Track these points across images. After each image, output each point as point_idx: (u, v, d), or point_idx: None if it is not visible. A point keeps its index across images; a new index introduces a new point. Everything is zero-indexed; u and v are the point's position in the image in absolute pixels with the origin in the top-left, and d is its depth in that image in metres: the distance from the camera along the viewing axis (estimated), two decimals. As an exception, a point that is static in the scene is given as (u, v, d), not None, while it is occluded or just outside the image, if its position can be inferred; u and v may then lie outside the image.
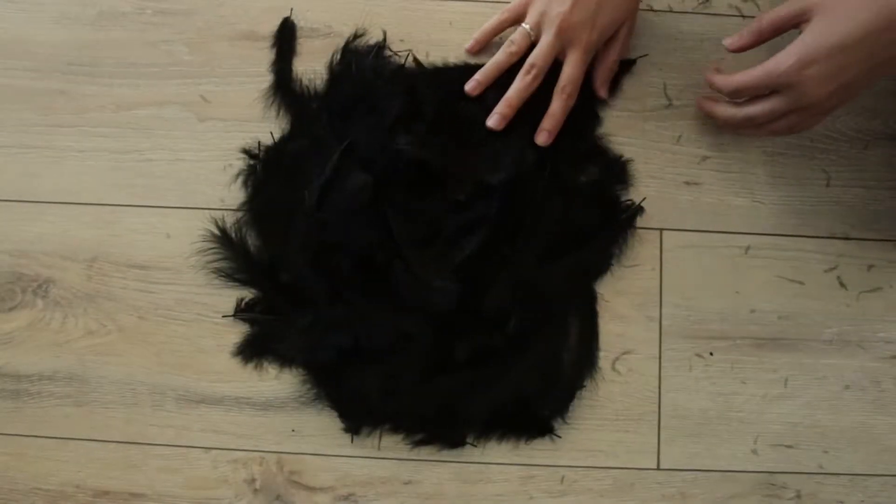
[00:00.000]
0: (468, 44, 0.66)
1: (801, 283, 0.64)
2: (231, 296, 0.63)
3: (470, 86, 0.63)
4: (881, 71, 0.52)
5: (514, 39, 0.63)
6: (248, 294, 0.63)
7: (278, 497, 0.61)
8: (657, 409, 0.62)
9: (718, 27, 0.67)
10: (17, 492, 0.62)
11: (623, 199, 0.64)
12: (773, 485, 0.62)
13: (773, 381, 0.63)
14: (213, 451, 0.62)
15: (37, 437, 0.63)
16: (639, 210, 0.64)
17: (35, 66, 0.67)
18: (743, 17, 0.67)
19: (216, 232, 0.63)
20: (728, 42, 0.59)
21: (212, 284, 0.64)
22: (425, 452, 0.62)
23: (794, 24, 0.54)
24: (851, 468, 0.62)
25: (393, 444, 0.62)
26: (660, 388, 0.63)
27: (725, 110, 0.60)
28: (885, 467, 0.62)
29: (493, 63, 0.63)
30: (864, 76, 0.52)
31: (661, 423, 0.62)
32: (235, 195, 0.65)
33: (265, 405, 0.62)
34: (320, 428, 0.62)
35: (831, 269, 0.64)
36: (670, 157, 0.66)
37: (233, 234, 0.63)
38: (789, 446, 0.62)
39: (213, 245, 0.63)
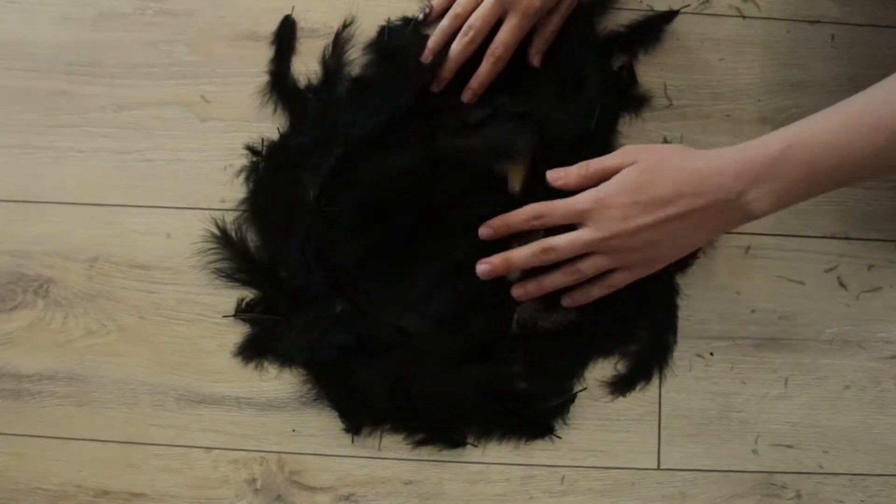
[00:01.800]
0: (426, 10, 0.64)
1: (801, 283, 0.64)
2: (231, 296, 0.63)
3: (423, 55, 0.63)
4: (681, 230, 0.54)
5: (461, 2, 0.62)
6: (248, 294, 0.63)
7: (279, 497, 0.61)
8: (657, 409, 0.62)
9: (719, 28, 0.67)
10: (18, 491, 0.62)
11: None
12: (773, 485, 0.62)
13: (774, 381, 0.63)
14: (214, 451, 0.62)
15: (38, 436, 0.63)
16: None
17: (36, 66, 0.67)
18: (743, 17, 0.67)
19: (216, 232, 0.63)
20: (552, 176, 0.58)
21: (212, 284, 0.64)
22: (426, 452, 0.62)
23: (614, 173, 0.55)
24: (851, 468, 0.62)
25: (393, 444, 0.62)
26: (660, 388, 0.63)
27: (523, 250, 0.57)
28: (884, 467, 0.62)
29: (440, 28, 0.63)
30: (662, 229, 0.53)
31: (662, 423, 0.62)
32: (236, 195, 0.65)
33: (266, 405, 0.62)
34: (321, 428, 0.62)
35: (831, 269, 0.64)
36: (670, 158, 0.66)
37: (233, 234, 0.63)
38: (789, 446, 0.62)
39: (213, 245, 0.63)
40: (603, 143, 0.64)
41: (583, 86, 0.63)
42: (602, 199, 0.54)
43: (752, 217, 0.53)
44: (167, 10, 0.68)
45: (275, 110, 0.66)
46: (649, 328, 0.62)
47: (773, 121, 0.66)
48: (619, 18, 0.66)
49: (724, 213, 0.53)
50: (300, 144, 0.64)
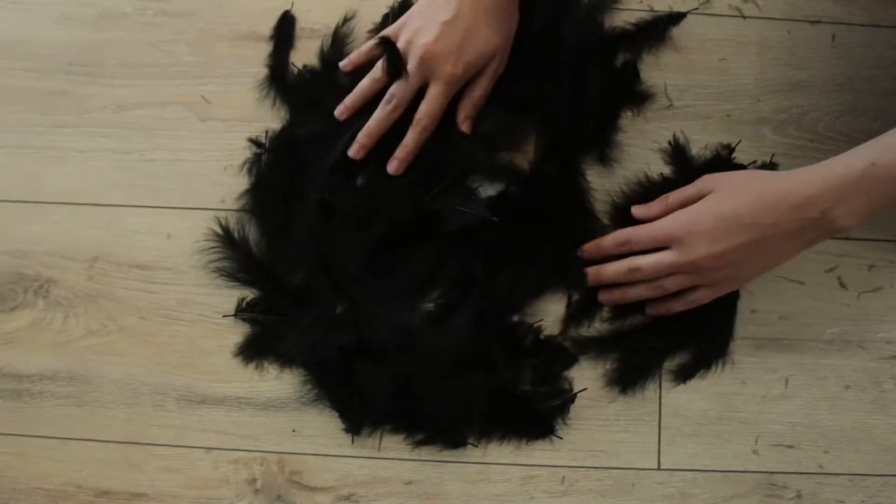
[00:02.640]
0: (342, 63, 0.64)
1: (801, 283, 0.64)
2: (232, 296, 0.63)
3: (338, 110, 0.62)
4: (764, 250, 0.55)
5: (381, 66, 0.61)
6: (249, 294, 0.63)
7: (279, 497, 0.62)
8: (658, 410, 0.62)
9: (719, 28, 0.67)
10: (18, 491, 0.62)
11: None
12: (773, 485, 0.62)
13: (774, 381, 0.63)
14: (214, 452, 0.62)
15: (38, 436, 0.63)
16: None
17: (36, 66, 0.67)
18: (744, 17, 0.67)
19: (219, 231, 0.63)
20: (636, 210, 0.61)
21: (213, 284, 0.64)
22: (426, 452, 0.62)
23: (695, 201, 0.57)
24: (852, 468, 0.62)
25: (394, 445, 0.62)
26: (660, 387, 0.63)
27: (612, 266, 0.60)
28: (885, 467, 0.62)
29: (358, 89, 0.61)
30: (746, 250, 0.55)
31: (662, 424, 0.62)
32: (236, 195, 0.65)
33: (266, 405, 0.62)
34: (321, 428, 0.62)
35: (832, 270, 0.64)
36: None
37: (235, 234, 0.63)
38: (790, 446, 0.62)
39: (215, 244, 0.63)
40: (603, 138, 0.64)
41: (582, 83, 0.63)
42: (684, 226, 0.56)
43: (837, 233, 0.54)
44: (167, 10, 0.68)
45: (273, 104, 0.66)
46: (707, 321, 0.62)
47: (773, 121, 0.66)
48: (626, 17, 0.66)
49: (808, 231, 0.54)
50: (304, 135, 0.64)
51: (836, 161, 0.53)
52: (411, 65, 0.59)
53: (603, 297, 0.61)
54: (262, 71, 0.66)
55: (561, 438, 0.62)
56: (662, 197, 0.60)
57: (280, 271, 0.63)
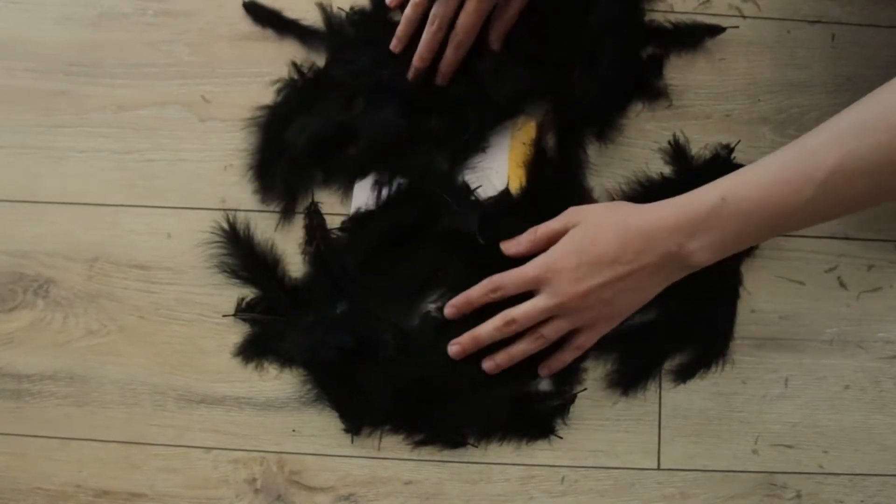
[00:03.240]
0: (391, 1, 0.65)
1: (801, 283, 0.64)
2: (232, 296, 0.63)
3: (393, 44, 0.63)
4: (630, 286, 0.55)
5: None
6: (248, 293, 0.63)
7: (279, 497, 0.62)
8: (658, 409, 0.62)
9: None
10: (18, 491, 0.62)
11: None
12: (773, 485, 0.62)
13: (774, 381, 0.63)
14: (214, 451, 0.62)
15: (38, 436, 0.63)
16: None
17: (36, 66, 0.67)
18: (743, 17, 0.67)
19: (224, 226, 0.63)
20: (505, 246, 0.60)
21: (213, 284, 0.64)
22: (426, 452, 0.62)
23: (561, 235, 0.57)
24: (851, 468, 0.62)
25: (393, 445, 0.62)
26: (660, 387, 0.63)
27: (486, 325, 0.58)
28: (884, 467, 0.62)
29: (405, 17, 0.63)
30: (611, 287, 0.55)
31: (662, 423, 0.62)
32: (236, 195, 0.65)
33: (266, 405, 0.62)
34: (321, 428, 0.62)
35: (831, 269, 0.64)
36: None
37: (239, 232, 0.63)
38: (789, 446, 0.62)
39: (218, 240, 0.63)
40: (607, 117, 0.65)
41: (599, 58, 0.63)
42: (550, 265, 0.56)
43: (693, 267, 0.54)
44: (167, 10, 0.68)
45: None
46: (707, 321, 0.62)
47: (774, 121, 0.66)
48: (670, 16, 0.67)
49: (667, 265, 0.54)
50: (342, 73, 0.65)
51: (691, 195, 0.54)
52: None
53: (488, 365, 0.59)
54: (262, 70, 0.66)
55: (561, 438, 0.62)
56: (531, 230, 0.59)
57: (281, 271, 0.63)
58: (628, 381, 0.62)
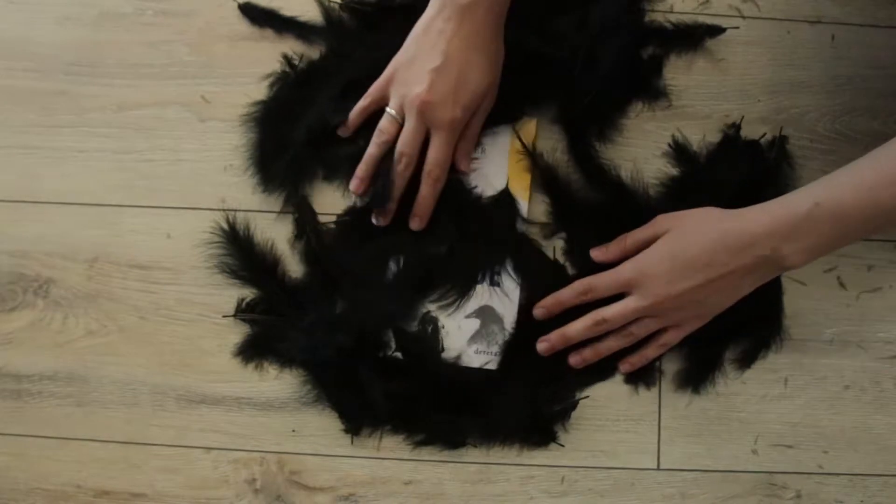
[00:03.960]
0: (341, 130, 0.63)
1: (801, 283, 0.64)
2: (231, 296, 0.63)
3: (353, 185, 0.62)
4: (722, 288, 0.56)
5: (382, 128, 0.61)
6: (248, 294, 0.63)
7: (279, 497, 0.61)
8: (657, 410, 0.62)
9: (718, 28, 0.67)
10: (18, 491, 0.62)
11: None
12: (773, 485, 0.62)
13: (774, 382, 0.63)
14: (214, 451, 0.62)
15: (38, 437, 0.63)
16: None
17: (36, 66, 0.67)
18: (743, 17, 0.67)
19: (224, 226, 0.63)
20: (595, 253, 0.61)
21: (213, 284, 0.64)
22: (426, 452, 0.62)
23: (650, 243, 0.58)
24: (851, 468, 0.62)
25: (393, 445, 0.62)
26: (660, 387, 0.63)
27: (577, 323, 0.59)
28: (884, 467, 0.62)
29: (367, 156, 0.61)
30: (704, 290, 0.56)
31: (662, 424, 0.62)
32: (236, 195, 0.65)
33: (266, 405, 0.62)
34: (321, 428, 0.62)
35: (831, 270, 0.64)
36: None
37: (239, 232, 0.63)
38: (789, 446, 0.62)
39: (218, 240, 0.63)
40: (607, 117, 0.65)
41: (599, 57, 0.63)
42: (644, 268, 0.57)
43: (788, 269, 0.56)
44: (167, 10, 0.68)
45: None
46: (758, 303, 0.62)
47: (774, 121, 0.66)
48: (670, 16, 0.67)
49: (761, 267, 0.55)
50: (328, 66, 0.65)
51: (784, 200, 0.54)
52: (411, 118, 0.59)
53: (574, 359, 0.60)
54: (262, 70, 0.66)
55: (563, 446, 0.62)
56: (619, 239, 0.60)
57: (282, 272, 0.63)
58: (698, 379, 0.62)
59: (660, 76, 0.66)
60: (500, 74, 0.61)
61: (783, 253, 0.53)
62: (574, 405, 0.61)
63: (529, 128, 0.64)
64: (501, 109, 0.63)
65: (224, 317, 0.63)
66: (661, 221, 0.59)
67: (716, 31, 0.66)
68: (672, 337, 0.60)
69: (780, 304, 0.63)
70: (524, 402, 0.61)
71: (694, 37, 0.66)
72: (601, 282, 0.59)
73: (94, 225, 0.65)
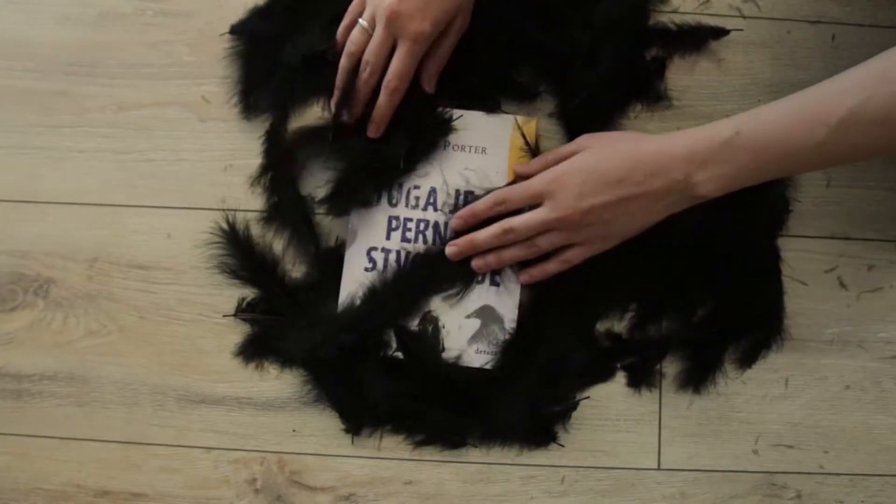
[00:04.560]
0: (328, 52, 0.63)
1: (802, 283, 0.64)
2: (232, 296, 0.63)
3: (334, 98, 0.62)
4: (631, 209, 0.56)
5: (353, 38, 0.61)
6: (249, 294, 0.63)
7: (279, 497, 0.61)
8: (658, 409, 0.62)
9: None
10: (18, 491, 0.62)
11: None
12: (773, 485, 0.62)
13: (774, 382, 0.63)
14: (214, 451, 0.62)
15: (38, 436, 0.63)
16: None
17: (36, 66, 0.67)
18: (744, 17, 0.67)
19: (224, 226, 0.63)
20: (517, 168, 0.62)
21: (213, 284, 0.64)
22: (426, 452, 0.62)
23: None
24: (852, 468, 0.62)
25: (394, 445, 0.62)
26: (660, 387, 0.63)
27: (485, 231, 0.59)
28: (885, 467, 0.62)
29: (340, 68, 0.61)
30: (613, 208, 0.56)
31: (662, 423, 0.62)
32: (236, 195, 0.65)
33: (266, 405, 0.62)
34: (321, 428, 0.62)
35: (832, 270, 0.64)
36: (671, 158, 0.66)
37: (240, 232, 0.63)
38: (790, 446, 0.62)
39: (218, 240, 0.63)
40: (607, 116, 0.65)
41: (599, 56, 0.63)
42: (555, 180, 0.57)
43: (699, 199, 0.55)
44: (167, 11, 0.68)
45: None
46: (757, 302, 0.63)
47: (774, 121, 0.66)
48: (674, 17, 0.66)
49: (673, 193, 0.55)
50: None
51: (705, 127, 0.55)
52: (379, 27, 0.59)
53: (477, 263, 0.61)
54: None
55: (563, 446, 0.62)
56: (542, 155, 0.61)
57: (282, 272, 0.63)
58: (698, 379, 0.62)
59: (662, 78, 0.66)
60: (469, 1, 0.61)
61: (696, 179, 0.53)
62: (574, 405, 0.61)
63: (530, 126, 0.64)
64: (500, 96, 0.64)
65: (224, 316, 0.63)
66: (583, 139, 0.59)
67: (719, 32, 0.66)
68: (575, 254, 0.59)
69: (780, 303, 0.63)
70: (524, 402, 0.61)
71: (697, 38, 0.66)
72: (514, 192, 0.59)
73: (94, 225, 0.65)
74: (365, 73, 0.60)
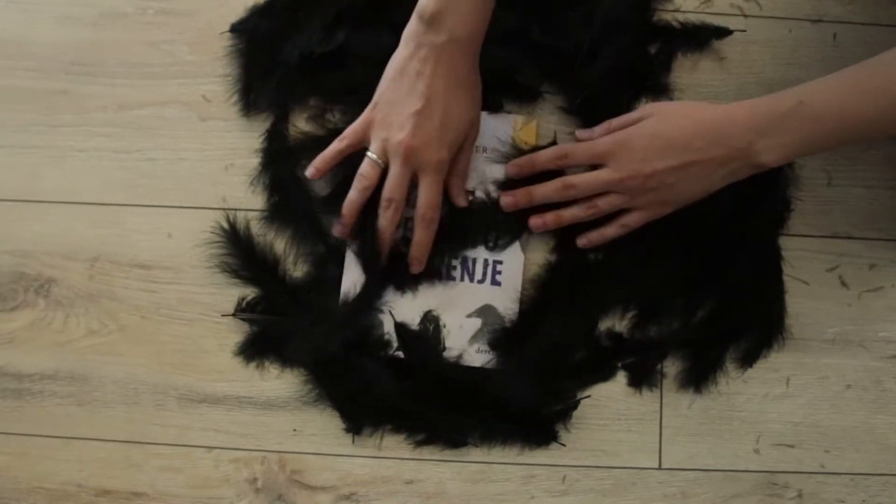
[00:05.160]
0: (308, 170, 0.61)
1: (803, 282, 0.64)
2: (232, 295, 0.63)
3: (337, 230, 0.61)
4: (693, 175, 0.56)
5: (364, 173, 0.59)
6: (249, 293, 0.63)
7: (280, 497, 0.61)
8: (659, 409, 0.62)
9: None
10: (19, 491, 0.62)
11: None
12: (774, 484, 0.62)
13: (775, 381, 0.63)
14: (215, 451, 0.62)
15: (39, 436, 0.63)
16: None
17: (37, 66, 0.67)
18: (745, 16, 0.67)
19: (225, 226, 0.63)
20: (580, 133, 0.62)
21: (214, 284, 0.64)
22: (427, 452, 0.62)
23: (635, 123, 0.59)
24: (853, 468, 0.62)
25: (395, 444, 0.62)
26: (661, 387, 0.63)
27: (546, 185, 0.59)
28: (886, 467, 0.62)
29: (348, 202, 0.60)
30: (675, 173, 0.56)
31: (663, 423, 0.62)
32: (237, 195, 0.65)
33: (267, 404, 0.62)
34: (322, 427, 0.62)
35: (833, 269, 0.64)
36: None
37: (240, 231, 0.63)
38: (791, 446, 0.62)
39: (219, 240, 0.63)
40: (612, 110, 0.64)
41: (600, 50, 0.64)
42: (621, 143, 0.57)
43: (760, 167, 0.55)
44: (168, 10, 0.68)
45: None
46: (758, 301, 0.63)
47: (775, 120, 0.65)
48: (676, 16, 0.67)
49: (735, 160, 0.55)
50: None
51: (771, 96, 0.55)
52: (396, 163, 0.58)
53: (535, 221, 0.60)
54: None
55: (564, 445, 0.62)
56: (606, 122, 0.61)
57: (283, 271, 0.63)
58: (699, 378, 0.62)
59: (668, 71, 0.66)
60: (480, 105, 0.61)
61: (758, 147, 0.54)
62: (575, 405, 0.61)
63: (530, 127, 0.64)
64: (503, 96, 0.64)
65: (223, 316, 0.63)
66: (649, 107, 0.60)
67: (722, 32, 0.66)
68: (634, 219, 0.59)
69: (781, 303, 0.63)
70: (525, 401, 0.61)
71: (700, 37, 0.66)
72: (578, 149, 0.59)
73: (95, 224, 0.65)
74: (389, 212, 0.58)
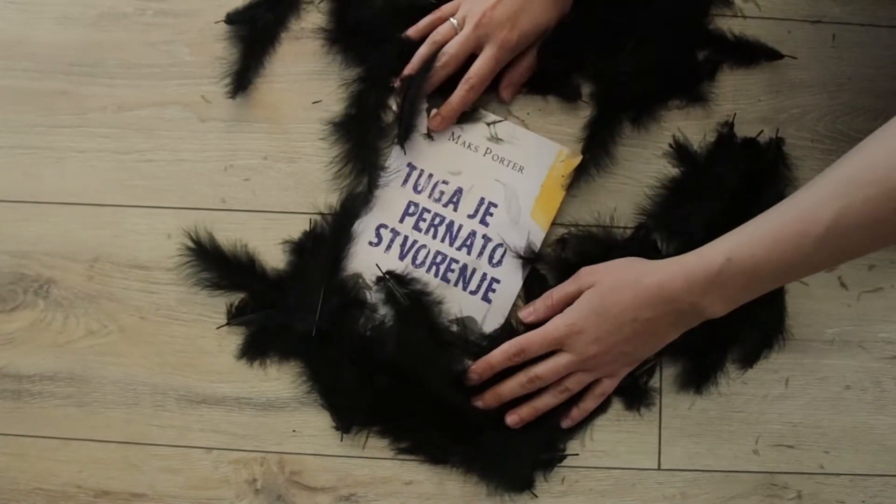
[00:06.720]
0: (408, 31, 0.65)
1: (803, 283, 0.64)
2: (232, 296, 0.63)
3: (401, 77, 0.63)
4: (649, 339, 0.58)
5: (440, 30, 0.63)
6: (235, 299, 0.63)
7: (279, 497, 0.61)
8: (658, 409, 0.62)
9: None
10: (18, 492, 0.62)
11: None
12: (774, 485, 0.62)
13: (774, 382, 0.63)
14: (214, 452, 0.62)
15: (38, 437, 0.63)
16: None
17: (36, 66, 0.67)
18: (744, 17, 0.67)
19: (190, 244, 0.63)
20: (523, 314, 0.62)
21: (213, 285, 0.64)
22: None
23: (575, 297, 0.59)
24: (852, 468, 0.62)
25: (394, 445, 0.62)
26: (661, 387, 0.63)
27: (511, 382, 0.59)
28: (886, 467, 0.62)
29: (417, 55, 0.63)
30: (632, 342, 0.57)
31: (662, 424, 0.62)
32: (237, 195, 0.65)
33: (266, 405, 0.62)
34: (321, 428, 0.62)
35: (832, 269, 0.64)
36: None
37: (206, 244, 0.63)
38: (790, 446, 0.62)
39: (189, 258, 0.63)
40: (646, 106, 0.65)
41: (646, 48, 0.64)
42: (572, 326, 0.58)
43: (710, 317, 0.56)
44: (167, 10, 0.68)
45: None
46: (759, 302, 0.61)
47: (774, 121, 0.66)
48: (734, 25, 0.66)
49: (683, 317, 0.56)
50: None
51: (698, 255, 0.55)
52: (468, 27, 0.61)
53: (511, 418, 0.60)
54: (261, 70, 0.66)
55: (536, 497, 0.61)
56: (546, 296, 0.61)
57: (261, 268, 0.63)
58: (699, 379, 0.62)
59: (712, 80, 0.65)
60: (562, 18, 0.63)
61: (702, 306, 0.55)
62: (561, 458, 0.61)
63: (573, 161, 0.64)
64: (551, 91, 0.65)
65: (218, 328, 0.63)
66: (583, 275, 0.59)
67: (773, 55, 0.66)
68: (608, 386, 0.60)
69: (781, 304, 0.63)
70: (511, 442, 0.60)
71: (752, 54, 0.66)
72: (532, 342, 0.59)
73: (94, 225, 0.65)
74: (440, 63, 0.62)
